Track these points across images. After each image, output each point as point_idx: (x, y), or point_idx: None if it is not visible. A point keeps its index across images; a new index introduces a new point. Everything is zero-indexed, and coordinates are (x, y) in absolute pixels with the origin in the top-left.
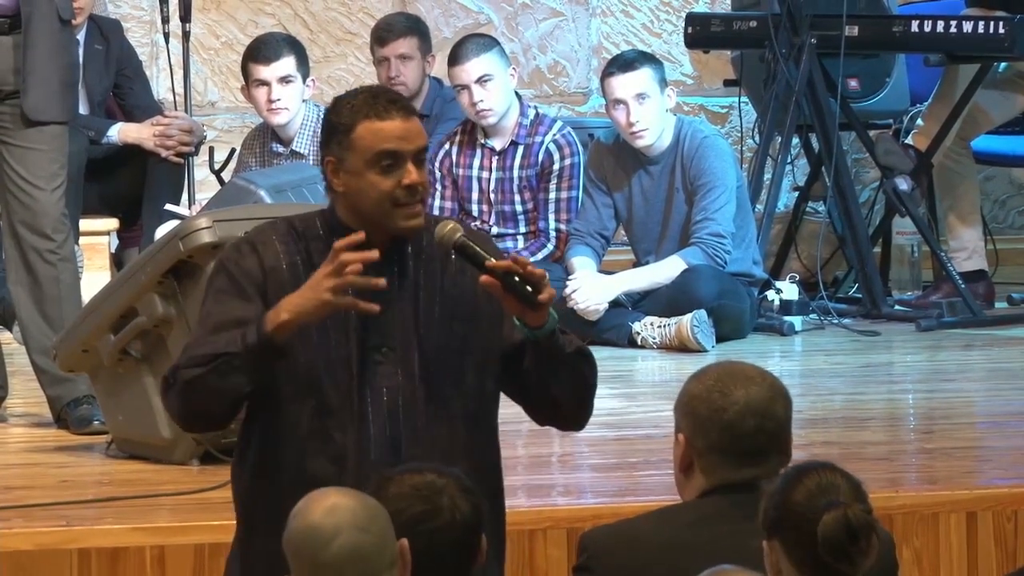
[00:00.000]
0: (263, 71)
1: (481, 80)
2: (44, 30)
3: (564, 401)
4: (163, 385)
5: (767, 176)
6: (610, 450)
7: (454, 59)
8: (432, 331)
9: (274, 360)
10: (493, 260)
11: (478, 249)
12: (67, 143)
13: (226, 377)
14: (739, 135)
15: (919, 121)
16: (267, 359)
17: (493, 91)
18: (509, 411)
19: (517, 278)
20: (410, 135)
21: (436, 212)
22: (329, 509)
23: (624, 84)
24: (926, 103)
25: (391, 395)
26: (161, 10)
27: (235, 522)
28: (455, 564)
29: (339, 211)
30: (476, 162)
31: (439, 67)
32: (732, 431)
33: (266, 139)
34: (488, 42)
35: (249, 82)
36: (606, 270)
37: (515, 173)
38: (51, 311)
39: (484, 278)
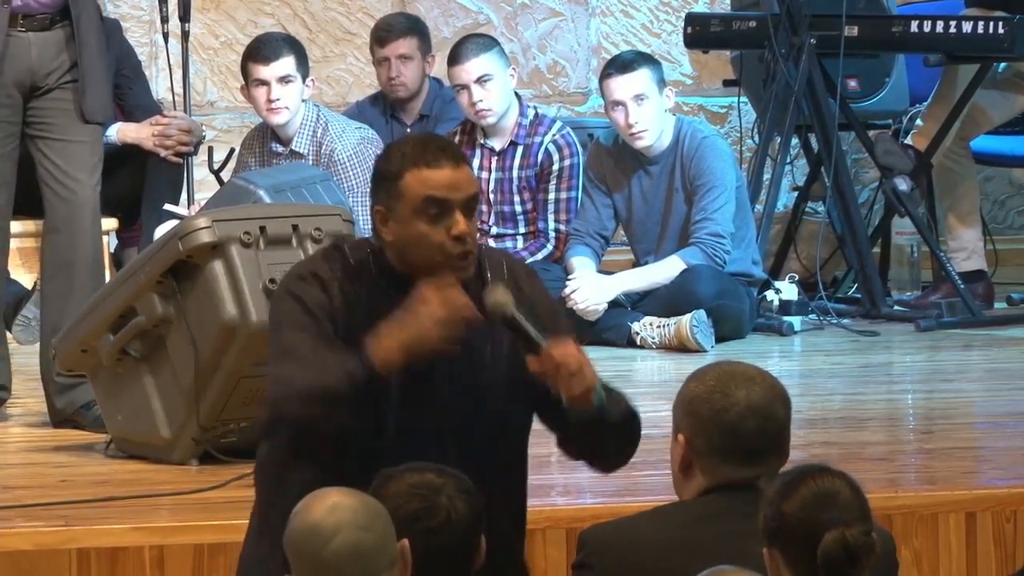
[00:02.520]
0: (262, 71)
1: (481, 80)
2: (92, 28)
3: (604, 455)
4: (266, 427)
5: (766, 176)
6: None
7: (454, 59)
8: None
9: (378, 394)
10: (542, 344)
11: (528, 328)
12: (102, 138)
13: (329, 416)
14: (738, 135)
15: (918, 121)
16: (371, 392)
17: (493, 91)
18: None
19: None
20: (459, 184)
21: None
22: (330, 508)
23: (622, 85)
24: (925, 103)
25: (427, 437)
26: (160, 10)
27: (248, 521)
28: (451, 564)
29: (389, 256)
30: (475, 162)
31: (439, 67)
32: (734, 432)
33: (265, 139)
34: (488, 42)
35: (248, 82)
36: (605, 270)
37: (514, 173)
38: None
39: (532, 361)
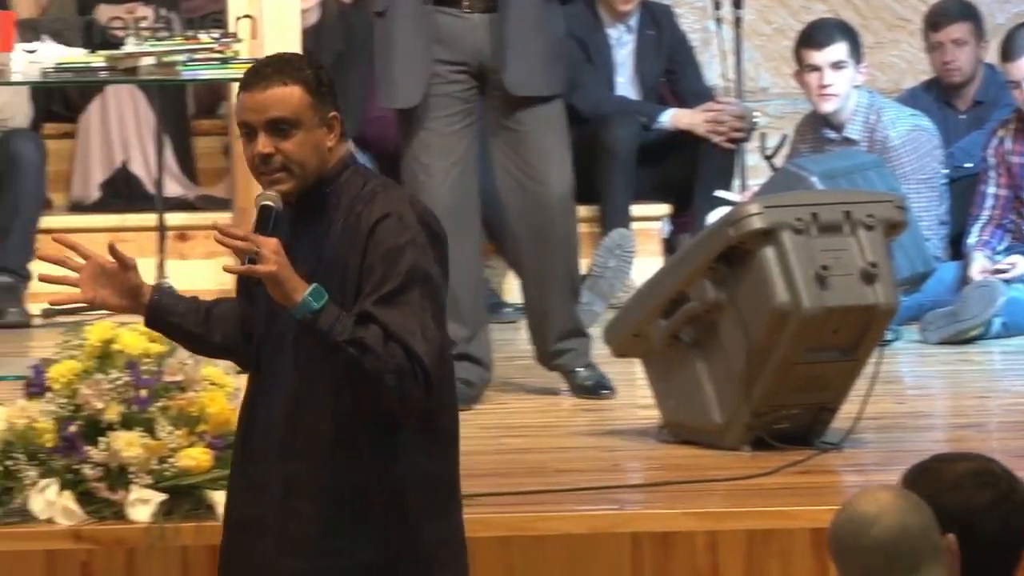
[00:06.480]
0: (815, 56)
1: None
2: (524, 5)
3: (346, 383)
4: None
5: None
6: None
7: (1007, 55)
8: None
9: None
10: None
11: (263, 218)
12: (563, 118)
13: None
14: None
15: None
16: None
17: None
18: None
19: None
20: (261, 107)
21: (990, 200)
22: (871, 498)
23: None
24: None
25: (282, 354)
26: None
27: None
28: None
29: None
30: None
31: (991, 54)
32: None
33: (818, 125)
34: None
35: (801, 67)
36: None
37: None
38: None
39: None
